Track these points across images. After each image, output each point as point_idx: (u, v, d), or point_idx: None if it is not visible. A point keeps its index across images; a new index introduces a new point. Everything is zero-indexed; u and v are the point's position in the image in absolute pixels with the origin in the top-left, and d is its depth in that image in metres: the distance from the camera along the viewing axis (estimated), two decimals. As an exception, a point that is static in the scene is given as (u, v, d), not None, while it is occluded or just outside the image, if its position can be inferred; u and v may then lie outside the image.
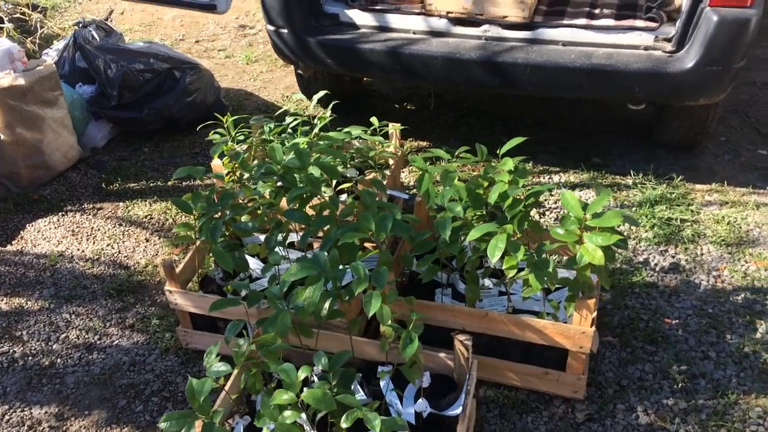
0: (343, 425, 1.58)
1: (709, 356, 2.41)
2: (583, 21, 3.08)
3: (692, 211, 3.12)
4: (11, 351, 2.62)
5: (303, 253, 2.51)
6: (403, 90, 4.39)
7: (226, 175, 2.70)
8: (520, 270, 2.18)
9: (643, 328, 2.53)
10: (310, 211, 2.29)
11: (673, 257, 2.86)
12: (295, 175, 2.34)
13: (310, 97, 4.12)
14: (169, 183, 3.56)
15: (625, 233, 3.00)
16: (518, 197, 2.17)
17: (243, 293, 2.50)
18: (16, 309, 2.82)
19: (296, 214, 2.21)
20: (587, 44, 3.03)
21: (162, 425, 1.66)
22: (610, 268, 2.80)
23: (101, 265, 3.03)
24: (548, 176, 3.48)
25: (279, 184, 2.41)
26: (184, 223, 2.29)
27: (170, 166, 3.71)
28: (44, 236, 3.23)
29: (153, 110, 3.82)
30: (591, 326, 2.09)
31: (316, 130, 2.79)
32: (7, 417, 2.36)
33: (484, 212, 2.28)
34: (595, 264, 1.98)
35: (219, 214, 2.34)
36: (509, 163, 2.24)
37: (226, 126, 2.79)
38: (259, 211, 2.40)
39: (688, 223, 3.04)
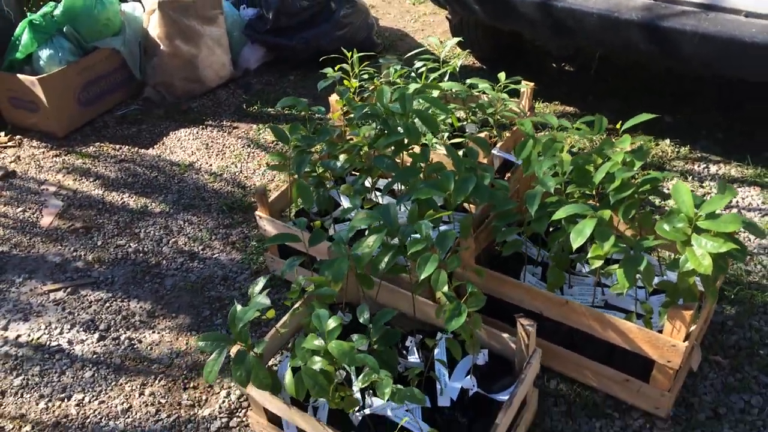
0: (356, 386, 1.51)
1: (839, 407, 2.01)
2: (777, -12, 2.59)
3: None
4: (127, 245, 2.84)
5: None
6: (567, 47, 4.05)
7: (344, 114, 2.67)
8: (616, 261, 1.93)
9: (765, 355, 2.17)
10: (409, 161, 2.19)
11: (831, 283, 2.40)
12: (398, 121, 2.24)
13: (462, 44, 3.97)
14: (303, 113, 3.61)
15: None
16: (630, 181, 1.91)
17: (330, 231, 2.49)
18: (141, 208, 3.04)
19: (384, 161, 2.12)
20: (775, 17, 2.55)
21: (199, 344, 1.70)
22: (742, 275, 2.42)
23: (222, 181, 3.17)
24: (704, 165, 3.05)
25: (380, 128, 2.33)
26: (277, 152, 2.30)
27: (310, 96, 3.76)
28: (182, 145, 3.44)
29: (303, 40, 3.87)
30: (684, 341, 1.81)
31: (436, 74, 2.67)
32: (108, 304, 2.58)
33: (593, 192, 2.04)
34: (701, 272, 1.70)
35: (316, 147, 2.32)
36: (627, 141, 1.96)
37: (351, 62, 2.75)
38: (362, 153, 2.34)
39: None
